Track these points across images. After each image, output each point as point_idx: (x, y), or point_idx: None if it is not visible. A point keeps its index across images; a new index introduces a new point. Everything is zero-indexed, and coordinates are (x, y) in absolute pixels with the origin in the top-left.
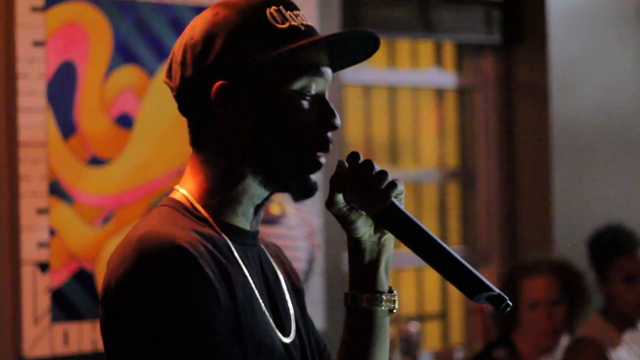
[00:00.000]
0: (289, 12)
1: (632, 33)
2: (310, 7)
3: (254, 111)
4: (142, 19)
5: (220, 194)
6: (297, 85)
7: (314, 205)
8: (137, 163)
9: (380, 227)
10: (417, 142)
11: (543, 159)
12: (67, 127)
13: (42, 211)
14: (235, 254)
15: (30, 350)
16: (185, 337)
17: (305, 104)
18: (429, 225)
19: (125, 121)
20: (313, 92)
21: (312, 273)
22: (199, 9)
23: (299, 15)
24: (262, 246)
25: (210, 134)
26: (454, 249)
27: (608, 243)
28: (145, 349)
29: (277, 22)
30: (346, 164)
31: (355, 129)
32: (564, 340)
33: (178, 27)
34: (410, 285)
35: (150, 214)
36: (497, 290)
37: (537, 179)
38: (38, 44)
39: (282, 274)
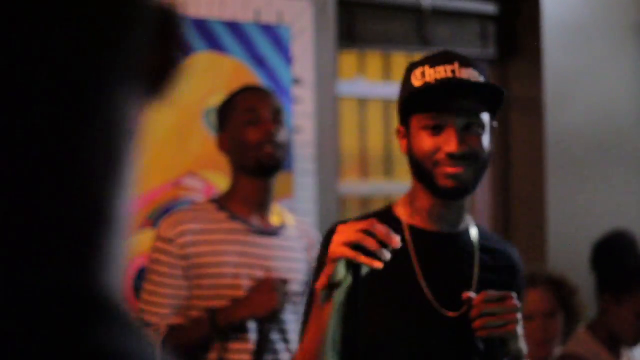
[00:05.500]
0: None
1: (627, 47)
2: (306, 20)
3: None
4: None
5: None
6: None
7: (311, 217)
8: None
9: None
10: None
11: (537, 172)
12: None
13: None
14: None
15: None
16: None
17: None
18: None
19: None
20: None
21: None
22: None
23: None
24: None
25: None
26: None
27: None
28: None
29: None
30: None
31: (351, 142)
32: (558, 351)
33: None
34: None
35: None
36: None
37: (532, 191)
38: None
39: None
